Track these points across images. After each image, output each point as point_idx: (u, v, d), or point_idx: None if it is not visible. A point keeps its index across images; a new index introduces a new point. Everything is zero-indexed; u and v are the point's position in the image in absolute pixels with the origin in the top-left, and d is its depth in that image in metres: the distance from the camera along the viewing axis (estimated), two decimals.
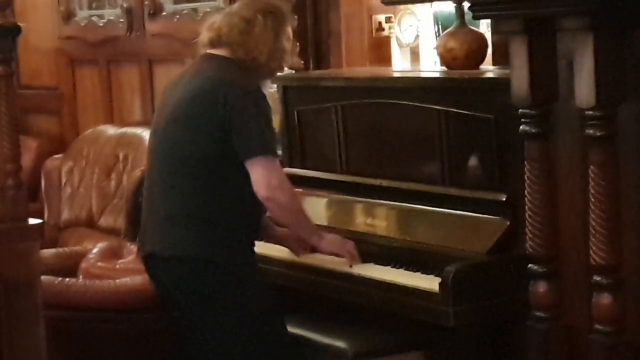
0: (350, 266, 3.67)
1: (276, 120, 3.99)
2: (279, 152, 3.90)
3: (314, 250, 3.79)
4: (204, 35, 3.69)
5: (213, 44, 3.66)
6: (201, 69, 3.64)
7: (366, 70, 4.60)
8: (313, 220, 3.77)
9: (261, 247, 3.89)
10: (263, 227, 3.75)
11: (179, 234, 3.53)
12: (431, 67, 4.21)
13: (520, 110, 3.07)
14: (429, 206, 3.71)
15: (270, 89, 4.28)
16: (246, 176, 3.49)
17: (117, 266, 4.83)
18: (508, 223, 3.44)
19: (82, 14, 6.32)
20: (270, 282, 3.75)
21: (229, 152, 3.50)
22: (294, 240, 3.83)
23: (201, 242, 3.52)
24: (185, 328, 3.69)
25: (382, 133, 3.97)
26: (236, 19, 3.64)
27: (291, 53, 3.84)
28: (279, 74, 3.92)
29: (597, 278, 2.93)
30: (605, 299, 2.92)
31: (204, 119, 3.51)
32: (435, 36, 4.25)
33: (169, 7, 5.69)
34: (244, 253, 3.59)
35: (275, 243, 3.92)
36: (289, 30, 3.73)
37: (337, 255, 3.71)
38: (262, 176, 3.48)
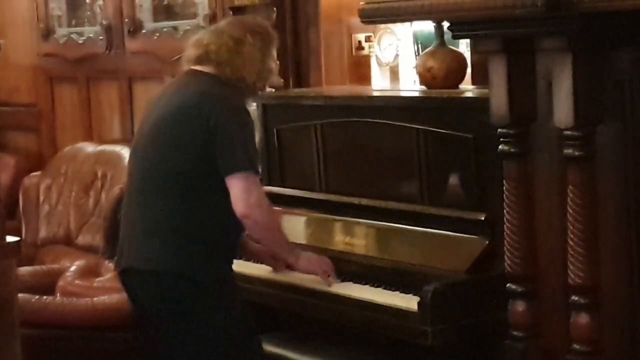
0: (329, 285, 3.67)
1: (256, 139, 3.99)
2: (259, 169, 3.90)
3: (290, 267, 3.78)
4: (191, 52, 3.67)
5: (200, 60, 3.64)
6: (185, 84, 3.63)
7: (346, 89, 4.60)
8: (292, 238, 3.76)
9: (240, 266, 3.87)
10: (241, 244, 3.75)
11: (156, 248, 3.51)
12: (410, 86, 4.21)
13: (499, 129, 3.08)
14: (408, 225, 3.71)
15: (250, 107, 4.27)
16: (227, 193, 3.49)
17: (95, 284, 4.81)
18: (487, 242, 3.44)
19: (61, 32, 6.31)
20: (248, 300, 3.73)
21: (210, 168, 3.49)
22: (270, 256, 3.83)
23: (178, 257, 3.50)
24: (159, 344, 3.66)
25: (362, 152, 3.97)
26: (225, 37, 3.63)
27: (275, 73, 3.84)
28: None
29: (575, 298, 2.94)
30: (583, 318, 2.93)
31: (187, 133, 3.50)
32: (414, 55, 4.26)
33: (148, 25, 5.68)
34: (221, 270, 3.56)
35: (253, 259, 3.91)
36: (274, 51, 3.73)
37: (314, 274, 3.70)
38: (241, 193, 3.47)
